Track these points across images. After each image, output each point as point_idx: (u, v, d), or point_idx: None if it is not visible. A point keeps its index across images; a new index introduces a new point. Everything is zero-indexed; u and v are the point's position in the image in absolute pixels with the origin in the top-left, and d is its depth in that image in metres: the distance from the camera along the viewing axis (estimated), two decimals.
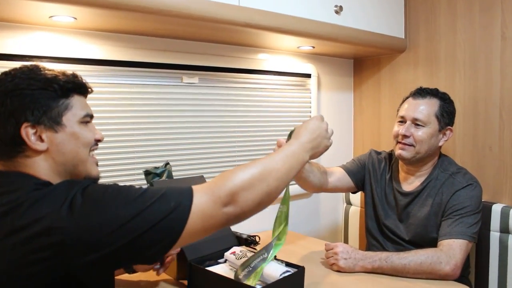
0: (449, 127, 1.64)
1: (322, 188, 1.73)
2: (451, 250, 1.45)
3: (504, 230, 1.74)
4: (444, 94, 1.66)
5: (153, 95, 1.68)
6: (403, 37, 2.13)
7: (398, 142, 1.65)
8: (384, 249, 1.72)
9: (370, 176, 1.81)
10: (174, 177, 1.55)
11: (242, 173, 0.92)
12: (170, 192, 0.87)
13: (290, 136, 1.18)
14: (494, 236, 1.76)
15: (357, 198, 2.26)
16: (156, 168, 1.47)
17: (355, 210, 2.29)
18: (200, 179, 1.55)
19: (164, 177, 1.46)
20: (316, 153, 1.15)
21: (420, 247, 1.61)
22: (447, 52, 2.00)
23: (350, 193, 2.28)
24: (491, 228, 1.76)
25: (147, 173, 1.46)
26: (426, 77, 2.07)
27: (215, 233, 0.93)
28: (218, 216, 0.88)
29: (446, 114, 1.62)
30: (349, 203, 2.33)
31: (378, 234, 1.76)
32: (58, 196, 0.82)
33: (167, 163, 1.52)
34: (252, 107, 1.98)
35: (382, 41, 2.03)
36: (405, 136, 1.61)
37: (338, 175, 1.79)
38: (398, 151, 1.64)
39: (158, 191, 0.86)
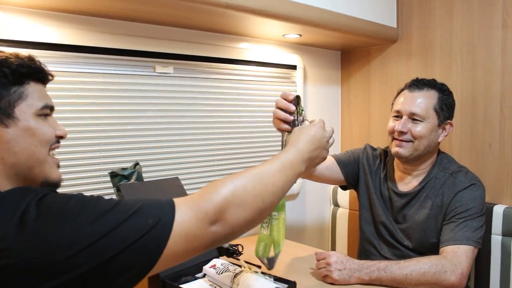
0: (449, 121, 1.51)
1: (309, 171, 1.57)
2: (456, 258, 1.32)
3: (506, 233, 1.61)
4: (443, 85, 1.52)
5: (122, 86, 1.48)
6: (395, 26, 1.99)
7: (394, 139, 1.50)
8: (380, 254, 1.58)
9: (366, 172, 1.65)
10: (145, 179, 1.37)
11: (233, 185, 0.77)
12: (147, 206, 0.71)
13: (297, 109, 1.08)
14: (496, 240, 1.64)
15: (345, 199, 2.11)
16: (123, 169, 1.29)
17: (343, 213, 2.14)
18: (175, 181, 1.37)
19: (132, 180, 1.27)
20: (312, 164, 1.01)
21: (419, 253, 1.49)
22: (442, 42, 1.87)
23: (338, 194, 2.14)
24: (493, 231, 1.63)
25: (113, 175, 1.27)
26: (419, 69, 1.93)
27: None
28: (204, 236, 0.73)
29: (446, 107, 1.48)
30: (336, 204, 2.18)
31: (375, 238, 1.62)
32: (6, 208, 0.66)
33: (137, 164, 1.33)
34: (233, 101, 1.80)
35: (374, 30, 1.88)
36: (402, 133, 1.46)
37: (327, 163, 1.63)
38: (394, 149, 1.49)
39: (133, 205, 0.70)
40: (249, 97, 1.85)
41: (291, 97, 1.09)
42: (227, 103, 1.77)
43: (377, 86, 2.13)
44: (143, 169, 1.39)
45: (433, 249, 1.46)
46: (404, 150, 1.47)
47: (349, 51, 2.23)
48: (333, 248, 2.19)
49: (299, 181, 2.07)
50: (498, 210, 1.63)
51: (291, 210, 2.10)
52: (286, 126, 1.10)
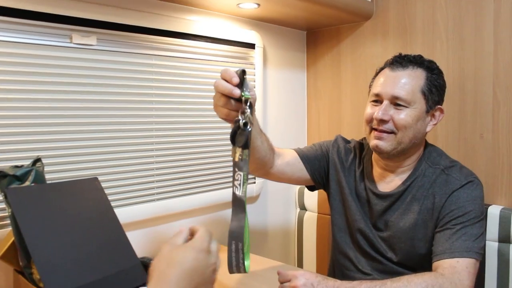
0: (439, 106, 1.24)
1: (266, 167, 1.28)
2: (456, 275, 1.07)
3: (504, 239, 1.37)
4: (431, 62, 1.25)
5: (26, 59, 1.13)
6: (369, 0, 1.71)
7: (372, 129, 1.22)
8: (357, 270, 1.31)
9: (337, 170, 1.36)
10: (52, 180, 1.02)
11: None
12: None
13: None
14: (492, 247, 1.39)
15: (313, 201, 1.83)
16: (16, 167, 0.93)
17: (311, 217, 1.85)
18: (92, 183, 1.04)
19: (28, 182, 0.92)
20: None
21: (406, 267, 1.24)
22: (424, 17, 1.60)
23: (305, 195, 1.85)
24: (487, 237, 1.38)
25: (1, 175, 0.92)
26: (398, 49, 1.64)
27: (116, 264, 0.70)
28: None
29: (435, 89, 1.21)
30: (302, 208, 1.89)
31: (350, 249, 1.33)
32: None
33: (37, 160, 0.99)
34: (176, 83, 1.46)
35: (345, 1, 1.59)
36: (382, 121, 1.18)
37: (288, 158, 1.34)
38: (373, 142, 1.21)
39: None
40: (197, 79, 1.52)
41: (236, 80, 0.85)
42: (168, 85, 1.44)
43: (348, 70, 1.85)
44: (50, 168, 1.04)
45: (422, 262, 1.20)
46: (386, 143, 1.19)
47: (316, 31, 1.94)
48: (300, 259, 1.89)
49: (259, 181, 1.76)
50: (494, 212, 1.38)
51: (250, 215, 1.79)
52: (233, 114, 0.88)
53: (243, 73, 0.85)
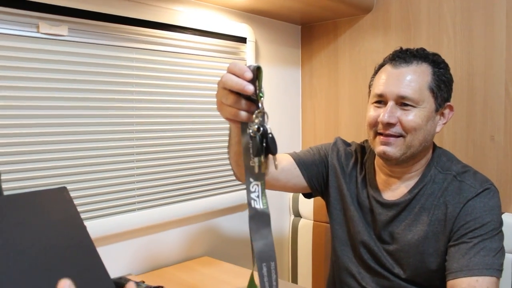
0: (448, 103, 1.12)
1: None
2: None
3: None
4: (436, 55, 1.12)
5: None
6: None
7: (378, 134, 1.09)
8: (360, 286, 1.21)
9: (338, 176, 1.24)
10: (10, 191, 0.87)
11: None
12: None
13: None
14: (506, 259, 1.25)
15: (308, 208, 1.70)
16: None
17: (306, 225, 1.72)
18: (60, 194, 0.88)
19: None
20: None
21: (416, 284, 1.12)
22: (430, 9, 1.48)
23: (299, 202, 1.72)
24: None
25: None
26: (401, 45, 1.48)
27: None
28: None
29: (444, 85, 1.09)
30: (297, 215, 1.76)
31: (353, 263, 1.21)
32: None
33: None
34: (159, 80, 1.32)
35: None
36: (389, 125, 1.06)
37: (283, 164, 1.21)
38: (380, 148, 1.08)
39: None
40: (183, 76, 1.38)
41: (249, 75, 0.69)
42: (150, 82, 1.29)
43: (346, 67, 1.72)
44: (9, 176, 0.90)
45: (433, 279, 1.09)
46: (394, 149, 1.06)
47: (312, 25, 1.81)
48: (294, 271, 1.76)
49: None
50: (508, 221, 1.25)
51: (241, 223, 1.65)
52: (243, 115, 0.72)
53: (258, 69, 0.69)
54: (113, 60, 1.20)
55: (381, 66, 1.15)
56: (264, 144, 0.69)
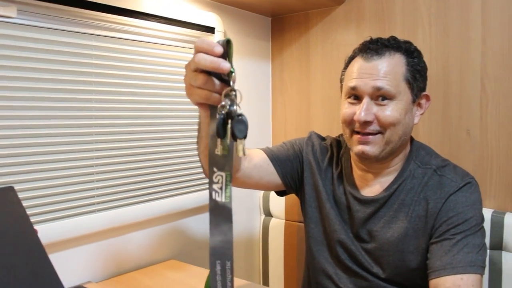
0: (424, 93, 1.07)
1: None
2: None
3: (495, 245, 1.25)
4: (408, 43, 1.07)
5: None
6: None
7: (355, 133, 1.03)
8: None
9: (313, 172, 1.17)
10: None
11: None
12: None
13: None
14: None
15: (279, 207, 1.64)
16: None
17: (278, 225, 1.66)
18: (6, 195, 0.78)
19: None
20: None
21: (396, 284, 1.07)
22: (405, 0, 1.44)
23: (270, 200, 1.66)
24: None
25: None
26: (375, 36, 1.49)
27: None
28: None
29: (419, 75, 1.04)
30: (268, 214, 1.70)
31: (329, 263, 1.15)
32: None
33: None
34: (121, 70, 1.22)
35: None
36: (367, 123, 1.00)
37: (256, 160, 1.13)
38: (358, 147, 1.03)
39: None
40: (146, 66, 1.28)
41: (219, 50, 0.63)
42: (111, 73, 1.19)
43: (318, 60, 1.66)
44: None
45: (413, 278, 1.04)
46: (373, 147, 1.01)
47: (282, 17, 1.75)
48: (266, 273, 1.69)
49: None
50: (485, 216, 1.23)
51: (205, 225, 1.54)
52: (215, 97, 0.67)
53: (228, 43, 0.63)
54: (69, 47, 1.09)
55: (351, 58, 1.09)
56: (229, 126, 0.63)
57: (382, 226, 1.06)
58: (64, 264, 1.13)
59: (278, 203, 1.65)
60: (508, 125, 1.28)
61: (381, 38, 1.07)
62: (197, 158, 1.46)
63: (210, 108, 0.68)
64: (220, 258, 0.65)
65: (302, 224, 1.59)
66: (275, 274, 1.67)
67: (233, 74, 0.63)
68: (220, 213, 0.65)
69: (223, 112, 0.63)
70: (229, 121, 0.63)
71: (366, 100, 1.00)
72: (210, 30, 1.44)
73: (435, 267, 0.96)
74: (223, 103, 0.63)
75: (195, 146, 1.44)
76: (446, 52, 1.37)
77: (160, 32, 1.31)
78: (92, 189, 1.15)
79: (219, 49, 0.62)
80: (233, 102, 0.63)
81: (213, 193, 0.65)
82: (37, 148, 1.04)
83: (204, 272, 1.30)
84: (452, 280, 0.92)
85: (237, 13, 1.61)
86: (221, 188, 0.65)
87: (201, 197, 1.47)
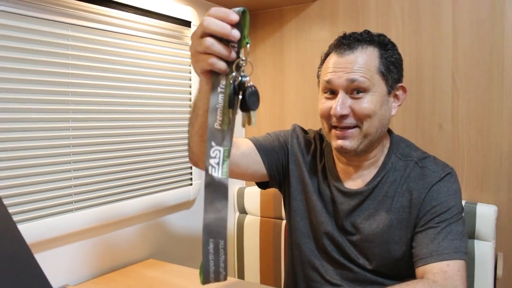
0: (400, 84, 1.08)
1: None
2: (449, 280, 0.94)
3: (468, 235, 1.28)
4: (382, 36, 1.08)
5: None
6: None
7: (333, 127, 1.04)
8: (324, 280, 1.15)
9: (299, 165, 1.17)
10: None
11: None
12: None
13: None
14: None
15: (254, 203, 1.63)
16: None
17: (253, 222, 1.65)
18: None
19: None
20: None
21: (382, 275, 1.08)
22: None
23: (245, 197, 1.65)
24: None
25: None
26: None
27: None
28: None
29: (393, 66, 1.05)
30: (242, 211, 1.68)
31: (316, 256, 1.15)
32: None
33: None
34: (98, 62, 1.17)
35: None
36: (343, 117, 1.00)
37: (243, 148, 1.12)
38: (337, 142, 1.03)
39: None
40: (124, 59, 1.24)
41: (235, 17, 0.62)
42: (88, 65, 1.14)
43: (292, 57, 1.67)
44: None
45: (398, 268, 1.06)
46: (351, 142, 1.02)
47: (256, 13, 1.74)
48: (241, 269, 1.68)
49: (197, 182, 1.51)
50: None
51: (187, 221, 1.53)
52: (221, 64, 0.64)
53: (244, 13, 0.62)
54: (44, 36, 1.03)
55: (327, 54, 1.10)
56: (240, 97, 0.62)
57: (367, 218, 1.08)
58: None
59: (253, 200, 1.64)
60: (477, 119, 1.34)
61: (354, 33, 1.07)
62: (176, 154, 1.44)
63: (213, 79, 0.66)
64: (213, 237, 0.64)
65: (278, 221, 1.60)
66: (251, 271, 1.66)
67: (248, 45, 0.63)
68: (215, 190, 0.64)
69: (235, 82, 0.62)
70: (241, 92, 0.62)
71: (341, 94, 1.01)
72: (187, 24, 1.41)
73: (422, 254, 0.98)
74: (234, 73, 0.62)
75: (174, 142, 1.41)
76: (418, 48, 1.41)
77: (137, 24, 1.26)
78: (70, 187, 1.10)
79: (235, 17, 0.61)
80: (244, 73, 0.62)
81: (210, 168, 0.64)
82: (8, 144, 0.97)
83: (184, 270, 1.27)
84: (439, 267, 0.94)
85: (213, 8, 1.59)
86: (218, 163, 0.65)
87: (179, 194, 1.44)
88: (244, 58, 0.63)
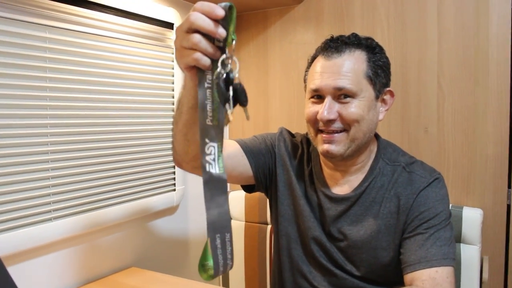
0: (387, 89, 1.06)
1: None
2: (438, 287, 0.93)
3: (454, 238, 1.26)
4: (369, 39, 1.06)
5: None
6: None
7: (319, 132, 1.02)
8: (312, 286, 1.12)
9: (287, 169, 1.15)
10: None
11: None
12: None
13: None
14: None
15: (239, 208, 1.61)
16: None
17: (238, 227, 1.62)
18: None
19: None
20: None
21: (368, 281, 1.07)
22: (363, 0, 1.46)
23: (230, 201, 1.60)
24: None
25: None
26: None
27: None
28: None
29: (381, 70, 1.03)
30: None
31: (303, 262, 1.14)
32: None
33: None
34: (77, 66, 1.13)
35: None
36: (330, 121, 0.99)
37: (230, 150, 1.09)
38: (323, 147, 1.01)
39: None
40: (104, 62, 1.20)
41: (220, 13, 0.61)
42: (67, 68, 1.10)
43: (277, 59, 1.65)
44: None
45: (386, 274, 1.05)
46: (337, 146, 1.00)
47: (240, 15, 1.71)
48: (225, 276, 1.64)
49: (180, 188, 1.48)
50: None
51: (170, 228, 1.50)
52: (206, 60, 0.64)
53: (230, 8, 0.61)
54: (20, 38, 0.99)
55: (313, 58, 1.08)
56: (230, 93, 0.62)
57: (354, 224, 1.06)
58: (15, 280, 1.02)
59: (237, 205, 1.61)
60: (463, 122, 1.34)
61: (342, 36, 1.06)
62: (158, 160, 1.41)
63: (198, 74, 0.65)
64: (220, 232, 0.64)
65: (264, 226, 1.57)
66: (236, 277, 1.63)
67: (234, 41, 0.62)
68: (215, 185, 0.64)
69: (221, 78, 0.62)
70: (230, 89, 0.62)
71: (328, 99, 0.99)
72: (169, 26, 1.38)
73: (410, 261, 0.97)
74: (219, 69, 0.62)
75: (156, 147, 1.38)
76: (404, 52, 1.40)
77: (118, 26, 1.23)
78: (48, 195, 1.05)
79: (221, 12, 0.61)
80: (231, 70, 0.62)
81: (207, 165, 0.64)
82: None
83: (167, 279, 1.24)
84: (427, 273, 0.93)
85: None
86: (214, 160, 0.65)
87: (163, 200, 1.40)
88: (229, 55, 0.63)
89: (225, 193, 0.65)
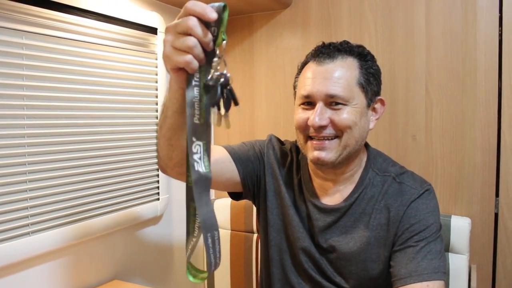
0: (379, 97, 1.05)
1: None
2: None
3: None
4: (361, 47, 1.04)
5: None
6: None
7: (309, 138, 1.00)
8: None
9: (276, 177, 1.12)
10: None
11: None
12: None
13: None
14: None
15: (224, 216, 1.57)
16: None
17: (223, 236, 1.59)
18: None
19: None
20: None
21: None
22: (351, 6, 1.45)
23: (215, 210, 1.57)
24: None
25: None
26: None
27: None
28: None
29: (373, 78, 1.02)
30: None
31: (292, 273, 1.11)
32: None
33: None
34: (56, 73, 1.08)
35: None
36: (321, 127, 0.96)
37: (217, 156, 1.06)
38: (313, 154, 0.99)
39: None
40: (84, 68, 1.15)
41: (213, 16, 0.61)
42: (45, 75, 1.05)
43: (263, 65, 1.62)
44: None
45: (374, 287, 1.03)
46: (329, 153, 0.97)
47: None
48: (211, 284, 1.61)
49: (164, 197, 1.44)
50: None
51: (152, 239, 1.45)
52: (195, 64, 0.64)
53: (224, 8, 0.60)
54: None
55: (304, 63, 1.06)
56: (224, 95, 0.65)
57: (343, 236, 1.04)
58: None
59: (222, 213, 1.58)
60: (451, 130, 1.33)
61: (333, 42, 1.04)
62: (142, 169, 1.36)
63: (187, 75, 0.65)
64: (209, 230, 0.65)
65: (249, 234, 1.54)
66: (221, 286, 1.59)
67: (224, 41, 0.62)
68: (203, 184, 0.65)
69: (216, 81, 0.64)
70: (224, 90, 0.64)
71: (319, 105, 0.96)
72: (153, 31, 1.34)
73: (401, 274, 0.95)
74: (214, 72, 0.63)
75: (140, 156, 1.33)
76: (392, 58, 1.39)
77: (99, 31, 1.18)
78: (26, 208, 1.01)
79: (213, 16, 0.60)
80: (222, 73, 0.64)
81: (195, 164, 0.65)
82: None
83: None
84: None
85: None
86: (200, 158, 0.65)
87: (146, 209, 1.36)
88: (220, 55, 0.63)
89: (209, 191, 0.66)
